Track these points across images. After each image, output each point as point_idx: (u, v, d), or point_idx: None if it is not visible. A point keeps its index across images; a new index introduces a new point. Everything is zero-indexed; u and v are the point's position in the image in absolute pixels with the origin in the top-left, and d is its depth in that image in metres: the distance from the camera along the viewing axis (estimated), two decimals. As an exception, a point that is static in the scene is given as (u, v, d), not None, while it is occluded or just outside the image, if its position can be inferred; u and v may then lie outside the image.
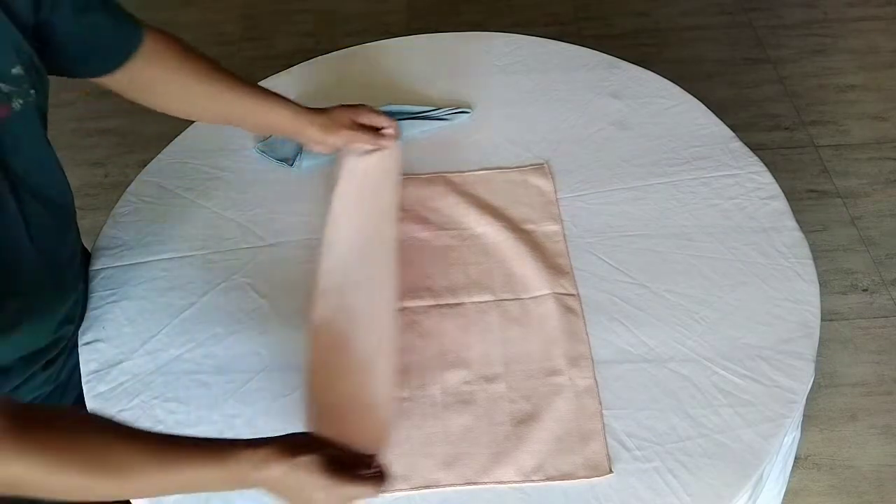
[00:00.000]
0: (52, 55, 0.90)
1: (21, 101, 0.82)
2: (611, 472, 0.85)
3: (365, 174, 1.10)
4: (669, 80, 1.33)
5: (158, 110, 1.07)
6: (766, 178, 1.15)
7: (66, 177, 0.95)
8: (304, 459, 0.74)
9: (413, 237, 1.11)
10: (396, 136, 1.11)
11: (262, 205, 1.18)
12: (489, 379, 0.94)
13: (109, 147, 2.36)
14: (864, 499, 1.59)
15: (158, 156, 1.27)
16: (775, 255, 1.05)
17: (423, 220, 1.13)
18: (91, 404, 0.95)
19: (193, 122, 1.32)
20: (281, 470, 0.73)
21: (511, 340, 0.98)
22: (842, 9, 2.72)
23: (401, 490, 0.85)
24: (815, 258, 1.04)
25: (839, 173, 2.19)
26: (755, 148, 1.21)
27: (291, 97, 1.09)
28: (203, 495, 0.86)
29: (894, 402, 1.73)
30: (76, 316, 1.02)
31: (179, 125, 1.32)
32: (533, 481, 0.85)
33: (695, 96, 1.29)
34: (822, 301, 1.00)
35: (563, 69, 1.36)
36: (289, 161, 1.22)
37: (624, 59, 1.38)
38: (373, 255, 1.02)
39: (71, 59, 0.94)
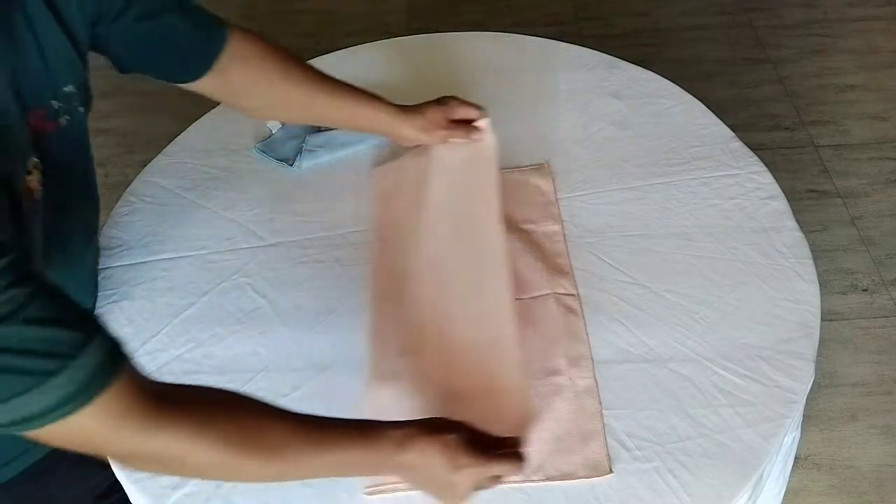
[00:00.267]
0: (128, 62, 0.93)
1: (68, 118, 0.83)
2: (611, 472, 0.85)
3: (460, 166, 1.09)
4: (669, 80, 1.33)
5: (256, 116, 1.09)
6: (766, 178, 1.15)
7: (97, 188, 0.96)
8: (448, 437, 0.75)
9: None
10: (487, 126, 1.09)
11: (262, 205, 1.18)
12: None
13: (109, 147, 2.36)
14: (864, 499, 1.59)
15: (158, 156, 1.27)
16: (775, 255, 1.05)
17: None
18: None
19: (193, 122, 1.32)
20: (424, 448, 0.74)
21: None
22: (842, 9, 2.72)
23: (400, 490, 0.85)
24: (815, 258, 1.04)
25: (839, 173, 2.19)
26: (755, 148, 1.21)
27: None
28: (206, 494, 0.86)
29: (894, 402, 1.73)
30: None
31: (179, 125, 1.32)
32: (533, 481, 0.85)
33: (695, 96, 1.29)
34: (822, 301, 1.00)
35: (563, 69, 1.36)
36: (289, 161, 1.23)
37: (624, 59, 1.38)
38: (479, 244, 1.03)
39: (151, 65, 0.96)
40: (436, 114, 1.07)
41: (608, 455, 0.86)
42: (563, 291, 1.03)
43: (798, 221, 1.09)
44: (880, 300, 1.90)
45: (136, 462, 0.71)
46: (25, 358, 0.60)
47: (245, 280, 1.08)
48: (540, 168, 1.19)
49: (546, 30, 2.52)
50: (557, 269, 1.05)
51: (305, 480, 0.83)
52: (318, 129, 1.26)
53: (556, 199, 1.14)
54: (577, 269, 1.05)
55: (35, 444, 0.89)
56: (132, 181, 1.23)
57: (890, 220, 2.07)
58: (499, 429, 0.80)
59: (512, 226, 1.11)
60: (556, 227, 1.10)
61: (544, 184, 1.17)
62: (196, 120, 1.32)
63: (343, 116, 1.08)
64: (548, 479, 0.85)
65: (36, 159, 0.76)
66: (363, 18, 2.79)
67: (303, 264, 1.09)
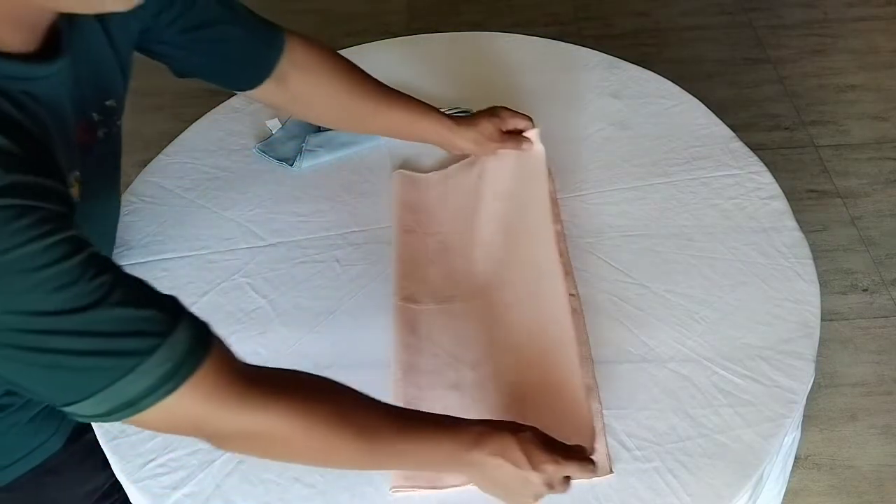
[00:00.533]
0: (182, 69, 0.94)
1: (106, 131, 0.83)
2: (611, 472, 0.85)
3: (511, 177, 1.12)
4: (669, 80, 1.33)
5: (315, 123, 1.12)
6: (766, 178, 1.15)
7: (120, 197, 0.97)
8: (525, 434, 0.76)
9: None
10: (536, 137, 1.12)
11: (262, 205, 1.18)
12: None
13: (109, 147, 2.36)
14: (864, 499, 1.59)
15: (158, 156, 1.27)
16: (775, 255, 1.05)
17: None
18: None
19: (193, 122, 1.32)
20: (503, 442, 0.74)
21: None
22: (842, 9, 2.72)
23: (400, 490, 0.85)
24: (815, 258, 1.04)
25: (839, 173, 2.19)
26: (755, 148, 1.21)
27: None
28: (206, 494, 0.86)
29: (894, 402, 1.73)
30: None
31: (179, 125, 1.32)
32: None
33: (695, 96, 1.30)
34: (822, 301, 1.00)
35: (563, 69, 1.37)
36: (289, 161, 1.22)
37: (624, 59, 1.38)
38: (535, 256, 1.04)
39: (206, 72, 0.97)
40: (488, 126, 1.10)
41: (609, 455, 0.86)
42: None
43: (798, 221, 1.09)
44: (880, 300, 1.90)
45: (231, 442, 0.71)
46: (121, 339, 0.61)
47: (245, 280, 1.08)
48: (540, 168, 1.19)
49: (546, 30, 2.52)
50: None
51: (364, 472, 0.84)
52: (319, 129, 1.26)
53: (557, 199, 1.14)
54: (577, 269, 1.05)
55: (37, 447, 0.90)
56: (132, 181, 1.23)
57: (890, 220, 2.07)
58: (564, 436, 0.80)
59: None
60: (556, 227, 1.10)
61: (544, 184, 1.17)
62: (196, 120, 1.32)
63: (400, 128, 1.11)
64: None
65: (78, 173, 0.77)
66: (363, 18, 2.79)
67: (303, 264, 1.09)
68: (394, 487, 0.85)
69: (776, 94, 2.43)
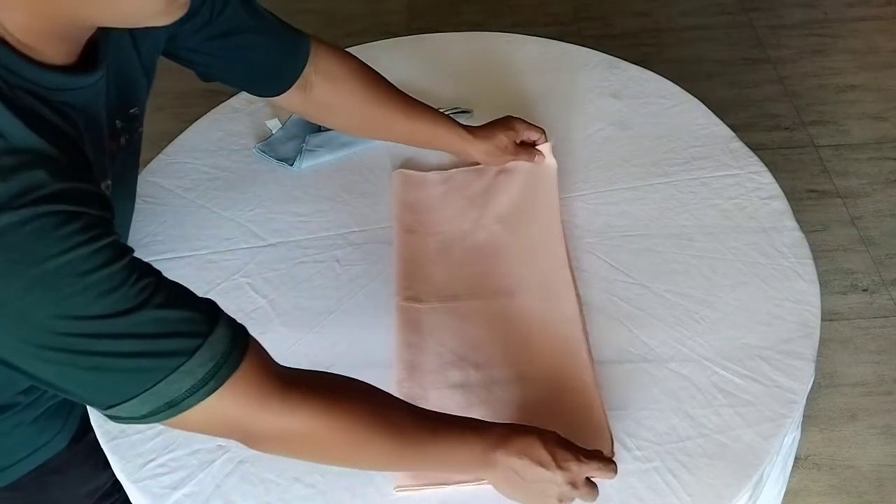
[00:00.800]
0: (207, 73, 0.96)
1: (127, 137, 0.84)
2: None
3: (520, 189, 1.14)
4: (669, 80, 1.33)
5: (337, 130, 1.16)
6: (766, 178, 1.15)
7: (134, 203, 0.98)
8: (548, 435, 0.77)
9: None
10: (548, 150, 1.15)
11: (262, 205, 1.18)
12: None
13: (109, 147, 2.35)
14: (864, 499, 1.59)
15: (158, 156, 1.27)
16: (775, 255, 1.05)
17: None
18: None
19: (193, 122, 1.32)
20: (527, 442, 0.76)
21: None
22: (842, 9, 2.72)
23: (405, 489, 0.85)
24: (815, 258, 1.04)
25: (839, 173, 2.19)
26: (755, 148, 1.21)
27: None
28: (206, 494, 0.86)
29: (894, 402, 1.73)
30: None
31: (179, 125, 1.32)
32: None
33: (695, 96, 1.30)
34: (822, 301, 1.00)
35: (563, 69, 1.36)
36: (289, 161, 1.22)
37: (624, 59, 1.38)
38: (541, 253, 1.06)
39: (231, 78, 0.99)
40: (503, 139, 1.12)
41: (613, 452, 0.86)
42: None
43: (798, 221, 1.09)
44: (880, 300, 1.90)
45: (268, 442, 0.72)
46: (163, 341, 0.62)
47: (245, 280, 1.08)
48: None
49: (546, 30, 2.52)
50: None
51: (368, 472, 0.85)
52: (319, 129, 1.26)
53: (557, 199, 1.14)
54: (577, 269, 1.05)
55: (41, 447, 0.91)
56: (132, 181, 1.23)
57: (890, 220, 2.07)
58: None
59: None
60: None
61: (544, 184, 1.17)
62: (196, 120, 1.32)
63: (418, 137, 1.14)
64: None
65: (110, 181, 0.78)
66: (363, 18, 2.79)
67: (303, 264, 1.09)
68: (398, 487, 0.85)
69: (776, 94, 2.43)
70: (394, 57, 1.38)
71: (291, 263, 1.09)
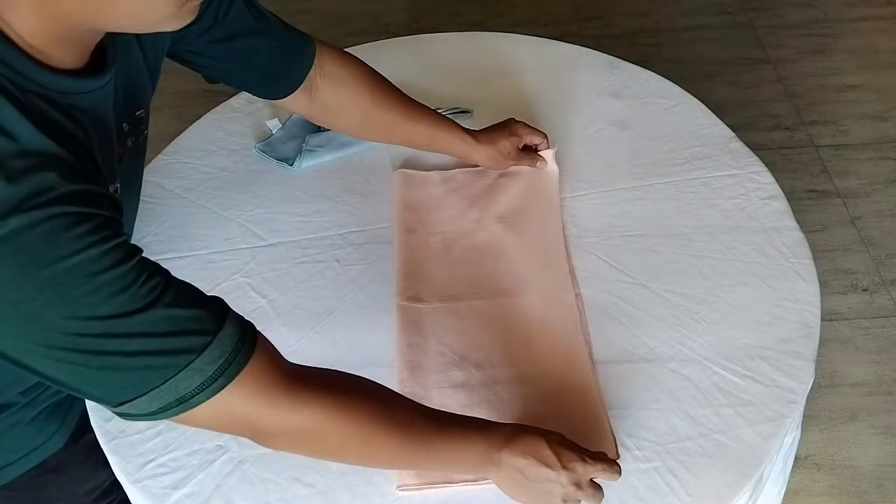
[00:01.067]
0: (212, 74, 0.96)
1: (133, 140, 0.84)
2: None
3: (522, 193, 1.15)
4: (669, 80, 1.33)
5: (342, 133, 1.17)
6: (766, 178, 1.15)
7: (138, 204, 0.98)
8: (554, 436, 0.77)
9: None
10: (551, 156, 1.16)
11: (262, 205, 1.18)
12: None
13: (109, 147, 2.36)
14: (864, 499, 1.59)
15: (158, 156, 1.27)
16: (775, 255, 1.05)
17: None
18: (92, 405, 0.95)
19: (193, 122, 1.32)
20: (534, 442, 0.76)
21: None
22: (842, 9, 2.73)
23: (407, 489, 0.85)
24: (815, 258, 1.04)
25: (839, 173, 2.19)
26: (755, 148, 1.21)
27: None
28: (206, 494, 0.86)
29: (894, 402, 1.73)
30: None
31: (179, 125, 1.32)
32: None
33: (695, 96, 1.30)
34: (822, 301, 1.00)
35: (563, 69, 1.37)
36: (289, 161, 1.22)
37: (624, 59, 1.38)
38: (542, 252, 1.07)
39: (236, 80, 1.00)
40: (506, 144, 1.14)
41: (617, 451, 0.86)
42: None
43: (798, 221, 1.09)
44: (880, 300, 1.90)
45: (278, 439, 0.72)
46: (173, 339, 0.63)
47: (245, 280, 1.07)
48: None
49: (546, 30, 2.52)
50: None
51: (367, 471, 0.85)
52: (319, 129, 1.26)
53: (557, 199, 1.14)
54: (577, 269, 1.05)
55: (39, 446, 0.91)
56: (132, 181, 1.23)
57: (890, 220, 2.07)
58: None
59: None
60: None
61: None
62: (196, 120, 1.32)
63: (422, 141, 1.15)
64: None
65: (118, 184, 0.78)
66: (363, 18, 2.79)
67: (303, 264, 1.09)
68: (401, 486, 0.84)
69: (776, 94, 2.43)
70: (394, 57, 1.38)
71: (291, 263, 1.09)
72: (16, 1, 0.60)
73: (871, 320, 1.87)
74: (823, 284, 1.03)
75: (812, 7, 2.73)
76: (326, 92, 1.05)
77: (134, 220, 0.97)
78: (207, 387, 0.64)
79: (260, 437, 0.72)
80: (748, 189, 1.13)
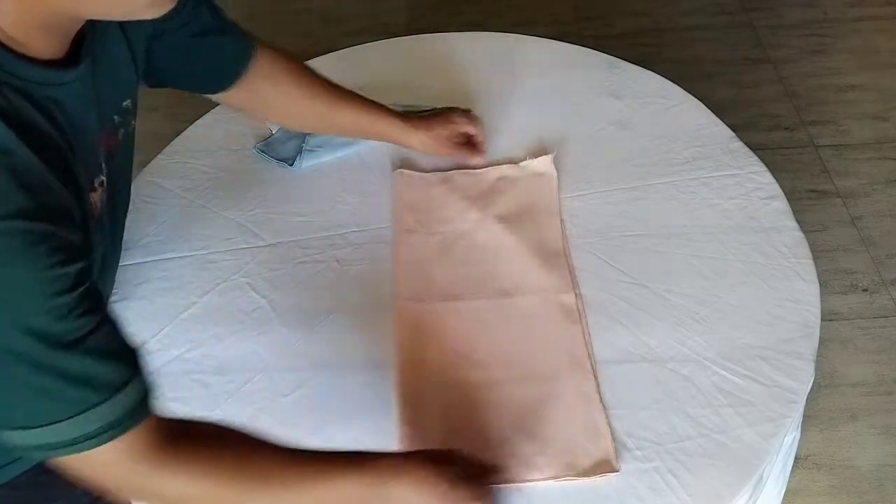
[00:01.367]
0: (165, 74, 0.95)
1: (124, 132, 0.84)
2: (617, 470, 0.85)
3: (518, 198, 1.15)
4: (669, 80, 1.33)
5: (277, 124, 1.18)
6: (766, 178, 1.15)
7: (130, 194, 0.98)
8: (445, 468, 0.75)
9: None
10: (550, 162, 1.18)
11: (262, 205, 1.18)
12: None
13: (109, 147, 2.35)
14: (864, 499, 1.59)
15: (158, 156, 1.27)
16: (775, 255, 1.05)
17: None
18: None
19: (193, 122, 1.32)
20: (421, 476, 0.74)
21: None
22: (842, 9, 2.72)
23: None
24: (815, 258, 1.04)
25: (839, 173, 2.19)
26: (755, 148, 1.21)
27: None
28: None
29: (894, 402, 1.73)
30: None
31: (178, 125, 1.32)
32: (537, 481, 0.85)
33: (695, 96, 1.29)
34: (822, 301, 1.00)
35: (563, 69, 1.37)
36: (289, 161, 1.22)
37: (624, 59, 1.38)
38: (542, 252, 1.06)
39: (183, 79, 1.00)
40: (441, 132, 1.16)
41: (615, 451, 0.86)
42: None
43: (798, 221, 1.09)
44: (880, 300, 1.90)
45: (141, 500, 0.74)
46: (78, 387, 0.63)
47: (245, 280, 1.08)
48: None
49: (546, 30, 2.52)
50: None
51: None
52: (318, 129, 1.27)
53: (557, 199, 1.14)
54: (577, 269, 1.05)
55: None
56: (132, 181, 1.22)
57: (890, 220, 2.07)
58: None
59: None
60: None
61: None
62: (196, 120, 1.32)
63: (357, 128, 1.16)
64: (554, 477, 0.85)
65: (104, 178, 0.77)
66: (363, 18, 2.79)
67: (303, 264, 1.09)
68: None
69: (776, 94, 2.43)
70: (394, 57, 1.38)
71: (291, 263, 1.09)
72: None
73: (871, 320, 1.86)
74: (823, 284, 1.03)
75: (812, 7, 2.73)
76: (261, 86, 1.06)
77: (126, 213, 0.97)
78: (86, 440, 0.64)
79: (122, 495, 0.73)
80: (748, 189, 1.13)
